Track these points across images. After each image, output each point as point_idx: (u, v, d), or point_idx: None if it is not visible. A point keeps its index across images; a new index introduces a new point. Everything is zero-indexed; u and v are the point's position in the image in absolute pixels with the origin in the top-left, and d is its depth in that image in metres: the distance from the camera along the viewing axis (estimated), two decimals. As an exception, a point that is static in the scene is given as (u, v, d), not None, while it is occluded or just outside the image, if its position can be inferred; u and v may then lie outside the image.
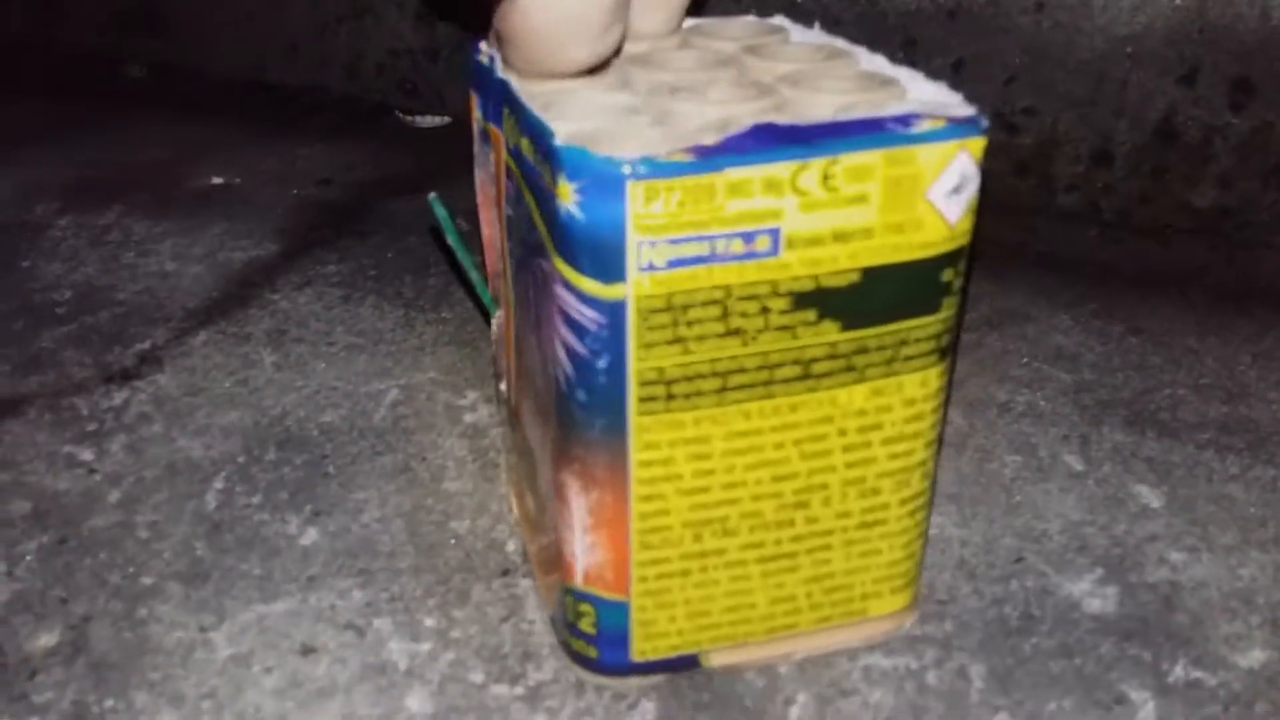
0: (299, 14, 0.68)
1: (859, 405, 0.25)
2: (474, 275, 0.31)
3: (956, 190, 0.23)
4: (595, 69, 0.26)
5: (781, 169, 0.22)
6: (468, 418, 0.37)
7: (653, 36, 0.30)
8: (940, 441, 0.27)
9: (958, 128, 0.23)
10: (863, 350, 0.24)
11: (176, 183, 0.57)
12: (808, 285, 0.23)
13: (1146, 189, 0.52)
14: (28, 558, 0.31)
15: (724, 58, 0.27)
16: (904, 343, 0.24)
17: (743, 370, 0.24)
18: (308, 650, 0.28)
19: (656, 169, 0.21)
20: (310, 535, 0.32)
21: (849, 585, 0.27)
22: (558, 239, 0.22)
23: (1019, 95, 0.52)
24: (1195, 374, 0.41)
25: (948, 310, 0.24)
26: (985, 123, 0.23)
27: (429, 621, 0.28)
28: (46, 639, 0.28)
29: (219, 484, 0.34)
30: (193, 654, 0.27)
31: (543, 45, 0.25)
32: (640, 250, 0.22)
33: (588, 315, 0.23)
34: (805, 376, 0.24)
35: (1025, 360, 0.42)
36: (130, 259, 0.48)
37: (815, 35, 0.30)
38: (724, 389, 0.24)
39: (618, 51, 0.27)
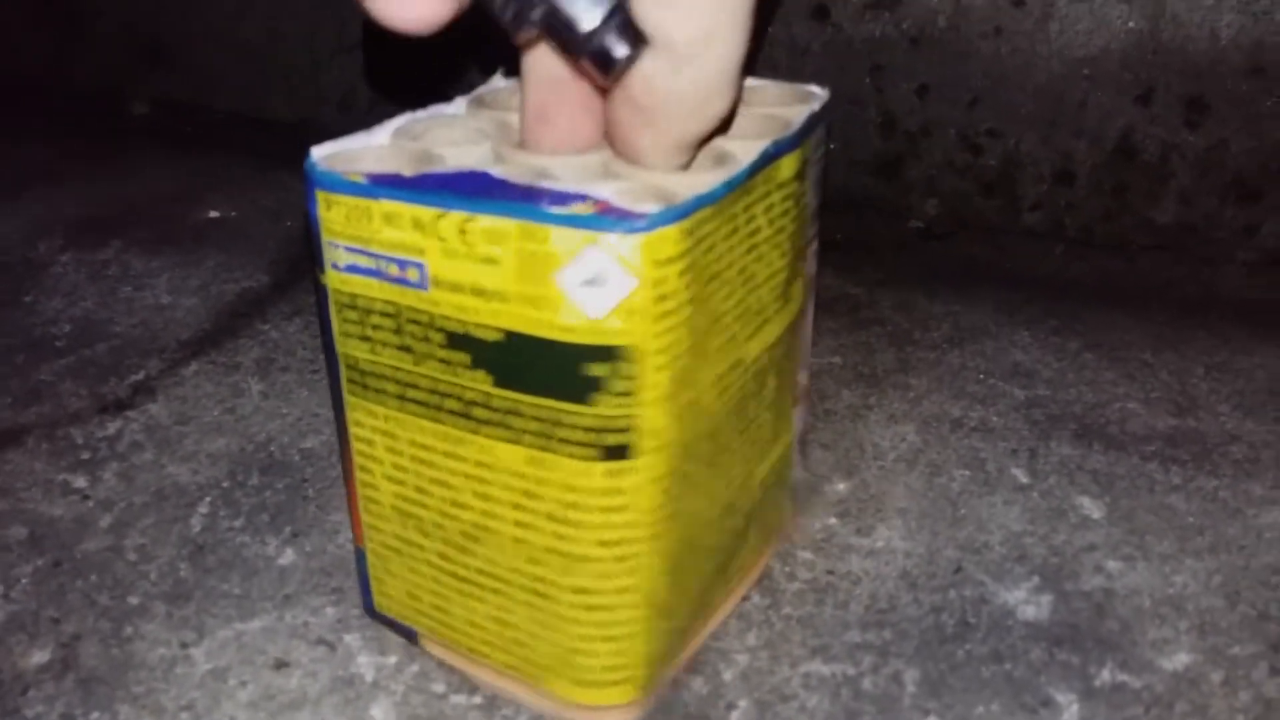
0: (295, 50, 0.71)
1: (518, 467, 0.25)
2: None
3: (591, 283, 0.22)
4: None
5: (424, 212, 0.23)
6: (442, 441, 0.39)
7: None
8: (649, 556, 0.25)
9: (599, 220, 0.22)
10: (516, 413, 0.24)
11: (175, 218, 0.59)
12: (457, 328, 0.24)
13: (1109, 207, 0.53)
14: (23, 580, 0.32)
15: None
16: (557, 424, 0.24)
17: (416, 387, 0.25)
18: (281, 665, 0.29)
19: (332, 183, 0.24)
20: (288, 555, 0.33)
21: (530, 645, 0.27)
22: None
23: (982, 118, 0.53)
24: (1147, 388, 0.42)
25: (604, 408, 0.23)
26: (643, 224, 0.22)
27: (396, 637, 0.30)
28: (39, 656, 0.30)
29: (204, 508, 0.36)
30: (174, 669, 0.29)
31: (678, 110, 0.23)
32: (327, 248, 0.25)
33: (321, 296, 0.26)
34: (466, 416, 0.25)
35: (982, 377, 0.43)
36: (128, 293, 0.50)
37: (799, 111, 0.28)
38: (402, 398, 0.26)
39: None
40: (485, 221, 0.23)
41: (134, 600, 0.32)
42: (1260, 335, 0.46)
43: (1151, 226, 0.53)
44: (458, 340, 0.24)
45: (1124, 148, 0.52)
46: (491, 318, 0.23)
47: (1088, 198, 0.53)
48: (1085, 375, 0.43)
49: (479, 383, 0.24)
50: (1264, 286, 0.51)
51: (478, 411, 0.25)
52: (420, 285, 0.24)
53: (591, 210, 0.22)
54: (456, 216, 0.23)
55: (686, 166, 0.25)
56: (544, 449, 0.24)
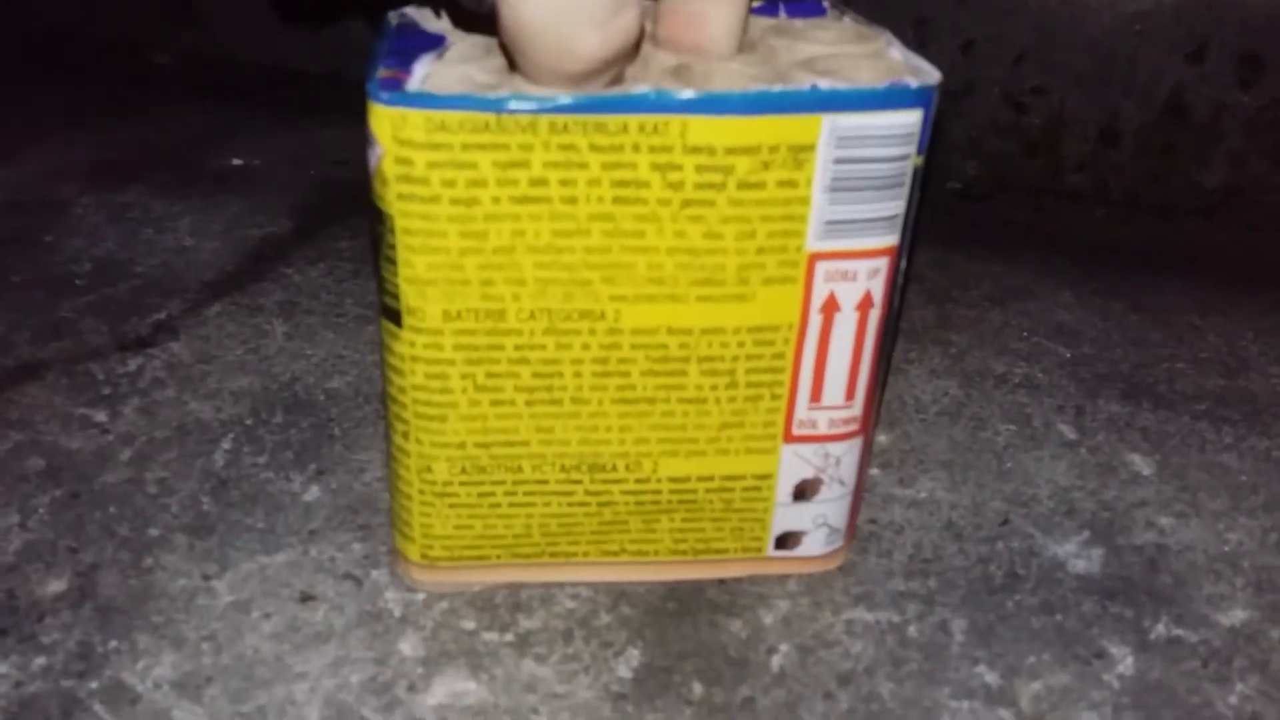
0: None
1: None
2: None
3: (368, 142, 0.23)
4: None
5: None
6: (470, 384, 0.38)
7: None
8: (418, 431, 0.26)
9: (375, 85, 0.23)
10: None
11: (198, 164, 0.58)
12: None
13: (1155, 168, 0.52)
14: (40, 510, 0.32)
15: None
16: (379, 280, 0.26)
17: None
18: (306, 598, 0.29)
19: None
20: (313, 492, 0.33)
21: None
22: None
23: (1028, 75, 0.52)
24: (1195, 349, 0.41)
25: (384, 270, 0.25)
26: (387, 99, 0.22)
27: (424, 573, 0.29)
28: (55, 585, 0.29)
29: (227, 444, 0.35)
30: (195, 600, 0.28)
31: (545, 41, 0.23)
32: None
33: None
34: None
35: (1025, 335, 0.42)
36: (149, 235, 0.49)
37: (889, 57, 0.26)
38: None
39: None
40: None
41: (154, 532, 0.31)
42: (1312, 300, 0.45)
43: (1198, 189, 0.51)
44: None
45: (1173, 107, 0.50)
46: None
47: (1134, 159, 0.52)
48: (1131, 335, 0.42)
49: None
50: (1314, 253, 0.49)
51: None
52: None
53: (383, 74, 0.23)
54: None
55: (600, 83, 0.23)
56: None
